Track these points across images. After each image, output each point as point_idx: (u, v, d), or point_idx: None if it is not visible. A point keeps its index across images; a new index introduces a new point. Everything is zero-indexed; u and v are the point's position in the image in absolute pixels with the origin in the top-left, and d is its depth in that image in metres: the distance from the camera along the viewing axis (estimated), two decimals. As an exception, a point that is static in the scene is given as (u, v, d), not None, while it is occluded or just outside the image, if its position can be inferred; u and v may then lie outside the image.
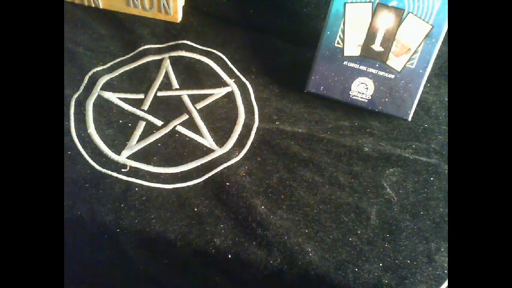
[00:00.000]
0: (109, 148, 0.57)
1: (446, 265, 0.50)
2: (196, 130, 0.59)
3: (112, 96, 0.61)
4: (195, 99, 0.62)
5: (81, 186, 0.53)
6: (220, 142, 0.58)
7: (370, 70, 0.57)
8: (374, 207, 0.53)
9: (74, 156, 0.55)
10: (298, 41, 0.69)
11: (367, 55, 0.57)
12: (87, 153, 0.56)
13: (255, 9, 0.71)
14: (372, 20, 0.55)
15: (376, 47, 0.56)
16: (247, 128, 0.60)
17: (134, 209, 0.52)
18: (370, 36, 0.56)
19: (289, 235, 0.51)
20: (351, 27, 0.56)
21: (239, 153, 0.57)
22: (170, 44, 0.67)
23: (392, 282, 0.49)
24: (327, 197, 0.54)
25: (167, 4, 0.67)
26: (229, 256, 0.49)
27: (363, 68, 0.58)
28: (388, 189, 0.55)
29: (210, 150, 0.57)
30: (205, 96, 0.62)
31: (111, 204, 0.52)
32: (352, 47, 0.57)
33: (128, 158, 0.56)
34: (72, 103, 0.60)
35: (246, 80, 0.64)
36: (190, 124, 0.60)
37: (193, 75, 0.64)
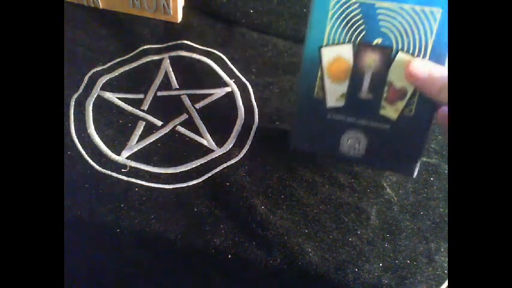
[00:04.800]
0: (109, 148, 0.57)
1: (446, 265, 0.50)
2: (196, 130, 0.59)
3: (112, 96, 0.61)
4: (194, 99, 0.62)
5: (81, 186, 0.53)
6: (220, 142, 0.58)
7: (360, 122, 0.47)
8: (374, 207, 0.53)
9: (73, 157, 0.55)
10: (298, 41, 0.69)
11: (354, 105, 0.46)
12: (87, 153, 0.56)
13: (255, 9, 0.71)
14: (354, 63, 0.45)
15: (364, 94, 0.46)
16: (247, 128, 0.60)
17: (134, 209, 0.52)
18: (355, 82, 0.46)
19: (289, 235, 0.51)
20: (331, 74, 0.46)
21: (239, 153, 0.57)
22: (170, 44, 0.67)
23: (392, 282, 0.49)
24: (327, 197, 0.54)
25: (167, 4, 0.67)
26: (229, 256, 0.49)
27: (350, 120, 0.47)
28: (388, 189, 0.55)
29: (209, 150, 0.57)
30: (205, 96, 0.62)
31: (111, 204, 0.52)
32: (334, 97, 0.47)
33: (128, 158, 0.56)
34: (72, 103, 0.60)
35: (246, 80, 0.64)
36: (190, 124, 0.60)
37: (193, 75, 0.64)
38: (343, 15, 0.44)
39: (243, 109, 0.61)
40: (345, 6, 0.44)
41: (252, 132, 0.59)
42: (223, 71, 0.65)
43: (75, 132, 0.58)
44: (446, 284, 0.49)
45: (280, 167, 0.56)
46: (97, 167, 0.55)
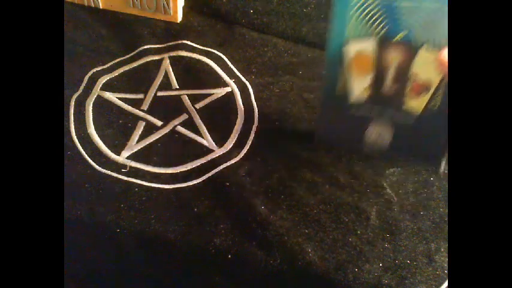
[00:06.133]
0: (109, 148, 0.57)
1: (446, 265, 0.50)
2: (196, 130, 0.59)
3: (112, 96, 0.61)
4: (194, 99, 0.62)
5: (81, 186, 0.53)
6: (220, 142, 0.58)
7: (384, 115, 0.47)
8: (374, 207, 0.53)
9: (73, 156, 0.55)
10: (298, 40, 0.69)
11: (377, 99, 0.47)
12: (87, 153, 0.56)
13: (255, 9, 0.71)
14: (377, 57, 0.45)
15: (387, 88, 0.46)
16: (247, 128, 0.60)
17: (134, 209, 0.52)
18: (378, 76, 0.46)
19: (289, 235, 0.51)
20: (353, 70, 0.46)
21: (239, 153, 0.57)
22: (170, 44, 0.67)
23: (392, 282, 0.49)
24: (327, 197, 0.54)
25: (167, 4, 0.67)
26: (229, 256, 0.49)
27: (374, 113, 0.48)
28: (388, 189, 0.55)
29: (209, 150, 0.57)
30: (205, 96, 0.62)
31: (111, 204, 0.52)
32: (357, 91, 0.47)
33: (128, 158, 0.56)
34: (72, 103, 0.60)
35: (246, 80, 0.64)
36: (190, 124, 0.60)
37: (193, 75, 0.64)
38: (365, 13, 0.44)
39: (243, 109, 0.61)
40: (366, 4, 0.44)
41: (252, 132, 0.59)
42: (223, 71, 0.65)
43: (75, 132, 0.58)
44: (446, 284, 0.49)
45: (280, 167, 0.56)
46: (97, 167, 0.55)
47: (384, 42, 0.44)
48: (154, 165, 0.56)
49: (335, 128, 0.50)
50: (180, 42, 0.67)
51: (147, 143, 0.58)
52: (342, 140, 0.50)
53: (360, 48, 0.45)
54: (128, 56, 0.66)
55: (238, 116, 0.61)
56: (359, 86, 0.46)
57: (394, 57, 0.44)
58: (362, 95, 0.47)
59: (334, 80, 0.47)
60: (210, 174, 0.55)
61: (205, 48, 0.67)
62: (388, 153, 0.48)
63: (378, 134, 0.47)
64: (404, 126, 0.46)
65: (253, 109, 0.61)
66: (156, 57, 0.66)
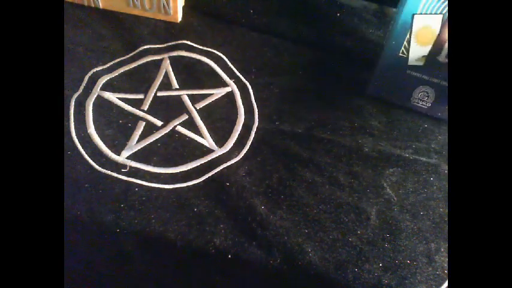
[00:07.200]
0: (109, 148, 0.57)
1: (446, 265, 0.50)
2: (196, 130, 0.59)
3: (112, 96, 0.61)
4: (195, 99, 0.62)
5: (81, 186, 0.53)
6: (220, 142, 0.58)
7: (433, 80, 0.58)
8: (374, 207, 0.53)
9: (74, 156, 0.55)
10: (298, 41, 0.69)
11: (431, 66, 0.57)
12: (87, 153, 0.56)
13: (255, 10, 0.71)
14: (440, 32, 0.55)
15: (442, 58, 0.56)
16: (247, 128, 0.60)
17: (134, 209, 0.52)
18: (437, 47, 0.56)
19: (289, 235, 0.51)
20: (417, 38, 0.56)
21: (239, 153, 0.57)
22: (170, 44, 0.67)
23: (392, 282, 0.49)
24: (327, 197, 0.54)
25: (167, 4, 0.67)
26: (229, 256, 0.49)
27: (425, 77, 0.58)
28: (388, 189, 0.55)
29: (209, 151, 0.57)
30: (205, 96, 0.62)
31: (111, 204, 0.52)
32: (416, 57, 0.57)
33: (128, 158, 0.56)
34: (72, 103, 0.60)
35: (246, 80, 0.64)
36: (190, 124, 0.60)
37: (193, 75, 0.64)
38: None
39: (243, 109, 0.61)
40: None
41: (252, 132, 0.59)
42: (223, 71, 0.65)
43: (75, 132, 0.58)
44: (446, 284, 0.49)
45: (280, 167, 0.56)
46: (97, 167, 0.55)
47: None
48: (154, 165, 0.56)
49: (389, 83, 0.60)
50: (180, 42, 0.67)
51: (147, 143, 0.58)
52: (393, 94, 0.60)
53: (427, 22, 0.54)
54: (128, 56, 0.66)
55: (238, 116, 0.61)
56: (419, 53, 0.56)
57: None
58: (420, 60, 0.57)
59: (399, 43, 0.57)
60: (210, 174, 0.55)
61: (205, 48, 0.67)
62: (429, 110, 0.59)
63: (425, 93, 0.57)
64: (447, 90, 0.56)
65: (253, 109, 0.61)
66: (156, 57, 0.66)
